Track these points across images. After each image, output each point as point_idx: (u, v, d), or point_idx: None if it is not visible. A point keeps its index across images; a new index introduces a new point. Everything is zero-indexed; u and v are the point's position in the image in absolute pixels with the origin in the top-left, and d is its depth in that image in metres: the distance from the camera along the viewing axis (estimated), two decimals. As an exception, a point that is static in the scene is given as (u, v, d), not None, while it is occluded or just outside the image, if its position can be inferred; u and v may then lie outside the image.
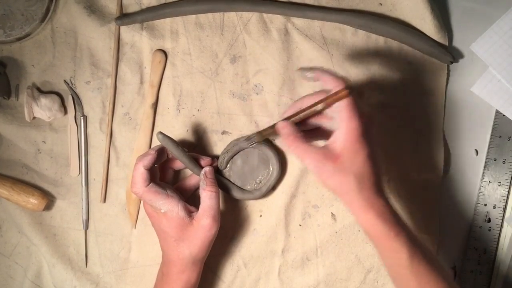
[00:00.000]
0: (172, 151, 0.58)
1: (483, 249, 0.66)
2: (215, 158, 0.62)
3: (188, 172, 0.64)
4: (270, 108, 0.64)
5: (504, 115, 0.65)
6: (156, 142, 0.65)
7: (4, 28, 0.62)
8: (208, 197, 0.57)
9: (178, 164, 0.62)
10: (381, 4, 0.64)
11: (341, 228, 0.64)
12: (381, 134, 0.65)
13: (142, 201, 0.60)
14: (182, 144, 0.59)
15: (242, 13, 0.64)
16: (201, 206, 0.57)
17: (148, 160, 0.57)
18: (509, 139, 0.65)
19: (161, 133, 0.57)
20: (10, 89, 0.65)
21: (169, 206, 0.56)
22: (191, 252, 0.57)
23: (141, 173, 0.57)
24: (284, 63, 0.64)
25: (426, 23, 0.63)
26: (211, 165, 0.61)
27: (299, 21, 0.64)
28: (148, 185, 0.57)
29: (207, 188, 0.58)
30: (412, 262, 0.50)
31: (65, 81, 0.65)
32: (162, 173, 0.61)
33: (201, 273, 0.60)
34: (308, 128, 0.58)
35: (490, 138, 0.66)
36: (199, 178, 0.59)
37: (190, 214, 0.57)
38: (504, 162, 0.65)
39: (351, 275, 0.65)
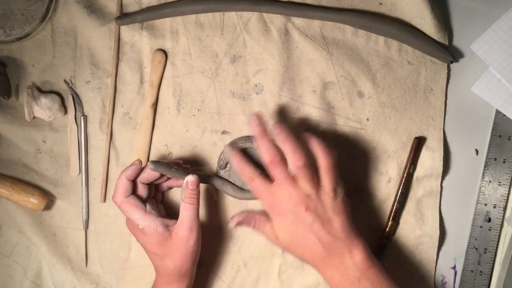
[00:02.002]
0: (168, 174, 0.58)
1: (483, 249, 0.65)
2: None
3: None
4: (270, 108, 0.64)
5: (504, 115, 0.65)
6: (156, 142, 0.65)
7: (4, 27, 0.62)
8: (185, 208, 0.56)
9: (165, 187, 0.63)
10: (381, 4, 0.64)
11: (341, 228, 0.64)
12: (381, 134, 0.65)
13: (125, 218, 0.60)
14: (177, 157, 0.60)
15: (242, 13, 0.64)
16: (179, 218, 0.57)
17: (131, 170, 0.57)
18: (509, 139, 0.65)
19: (152, 162, 0.56)
20: (10, 88, 0.65)
21: (147, 222, 0.56)
22: (175, 265, 0.57)
23: (122, 183, 0.57)
24: (284, 63, 0.64)
25: (426, 23, 0.63)
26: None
27: (299, 21, 0.64)
28: (128, 196, 0.57)
29: (186, 199, 0.56)
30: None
31: (65, 80, 0.65)
32: (155, 193, 0.62)
33: (192, 283, 0.60)
34: None
35: (490, 138, 0.66)
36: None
37: (168, 228, 0.57)
38: (504, 162, 0.65)
39: (351, 275, 0.65)
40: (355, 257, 0.54)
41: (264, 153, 0.55)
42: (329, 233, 0.54)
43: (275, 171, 0.55)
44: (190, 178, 0.57)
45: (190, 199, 0.56)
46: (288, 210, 0.54)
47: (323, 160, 0.54)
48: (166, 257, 0.57)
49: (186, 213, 0.56)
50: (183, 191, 0.57)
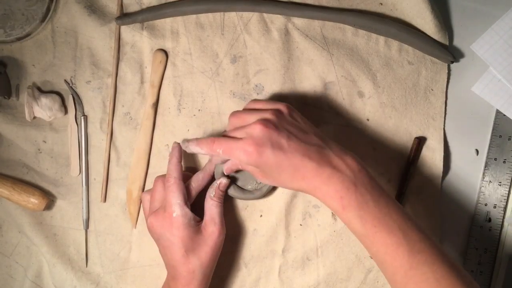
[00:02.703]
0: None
1: (483, 249, 0.66)
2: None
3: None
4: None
5: (504, 115, 0.65)
6: (157, 142, 0.65)
7: (4, 27, 0.62)
8: (214, 205, 0.58)
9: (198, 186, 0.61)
10: (381, 4, 0.64)
11: (341, 228, 0.64)
12: (381, 134, 0.65)
13: (148, 219, 0.58)
14: None
15: (242, 13, 0.64)
16: (207, 214, 0.58)
17: (177, 151, 0.59)
18: (509, 139, 0.65)
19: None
20: (10, 88, 0.65)
21: (184, 211, 0.56)
22: (202, 262, 0.56)
23: (178, 165, 0.58)
24: (285, 63, 0.64)
25: (427, 23, 0.63)
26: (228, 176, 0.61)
27: (299, 21, 0.64)
28: (181, 179, 0.57)
29: (215, 198, 0.59)
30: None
31: (65, 80, 0.65)
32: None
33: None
34: None
35: (491, 138, 0.66)
36: (210, 186, 0.60)
37: (197, 223, 0.58)
38: (504, 162, 0.65)
39: (351, 275, 0.65)
40: (347, 160, 0.52)
41: (232, 124, 0.56)
42: (309, 142, 0.52)
43: (236, 122, 0.55)
44: (224, 181, 0.59)
45: (219, 198, 0.59)
46: (265, 140, 0.52)
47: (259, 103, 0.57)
48: (192, 253, 0.56)
49: (215, 209, 0.58)
50: (214, 190, 0.59)
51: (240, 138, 0.53)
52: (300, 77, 0.64)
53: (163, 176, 0.59)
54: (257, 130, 0.52)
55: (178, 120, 0.65)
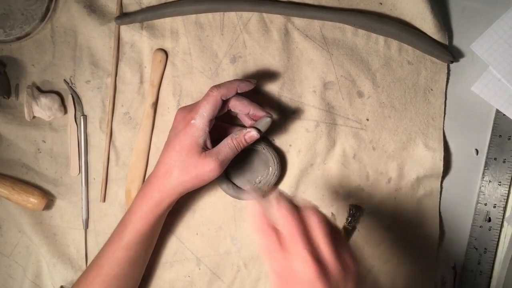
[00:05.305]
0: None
1: (483, 249, 0.66)
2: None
3: None
4: (270, 109, 0.64)
5: (504, 115, 0.65)
6: (156, 142, 0.65)
7: (4, 27, 0.62)
8: (229, 146, 0.57)
9: (241, 108, 0.59)
10: (381, 4, 0.64)
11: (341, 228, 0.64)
12: (380, 133, 0.65)
13: (179, 108, 0.58)
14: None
15: (242, 13, 0.64)
16: (217, 147, 0.57)
17: (247, 86, 0.57)
18: (509, 139, 0.65)
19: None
20: (10, 88, 0.65)
21: (201, 125, 0.55)
22: (178, 176, 0.56)
23: (233, 89, 0.56)
24: (284, 63, 0.64)
25: (426, 23, 0.63)
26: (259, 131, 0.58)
27: (299, 21, 0.64)
28: (221, 96, 0.56)
29: (235, 141, 0.57)
30: None
31: (65, 80, 0.65)
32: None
33: (166, 215, 0.59)
34: None
35: (490, 138, 0.66)
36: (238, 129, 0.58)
37: (205, 148, 0.56)
38: (504, 162, 0.65)
39: (351, 275, 0.65)
40: None
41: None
42: None
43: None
44: (253, 133, 0.57)
45: (238, 145, 0.57)
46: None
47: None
48: (179, 164, 0.56)
49: (226, 149, 0.56)
50: (239, 134, 0.57)
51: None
52: (300, 77, 0.64)
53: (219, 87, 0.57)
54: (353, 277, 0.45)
55: (177, 120, 0.65)
